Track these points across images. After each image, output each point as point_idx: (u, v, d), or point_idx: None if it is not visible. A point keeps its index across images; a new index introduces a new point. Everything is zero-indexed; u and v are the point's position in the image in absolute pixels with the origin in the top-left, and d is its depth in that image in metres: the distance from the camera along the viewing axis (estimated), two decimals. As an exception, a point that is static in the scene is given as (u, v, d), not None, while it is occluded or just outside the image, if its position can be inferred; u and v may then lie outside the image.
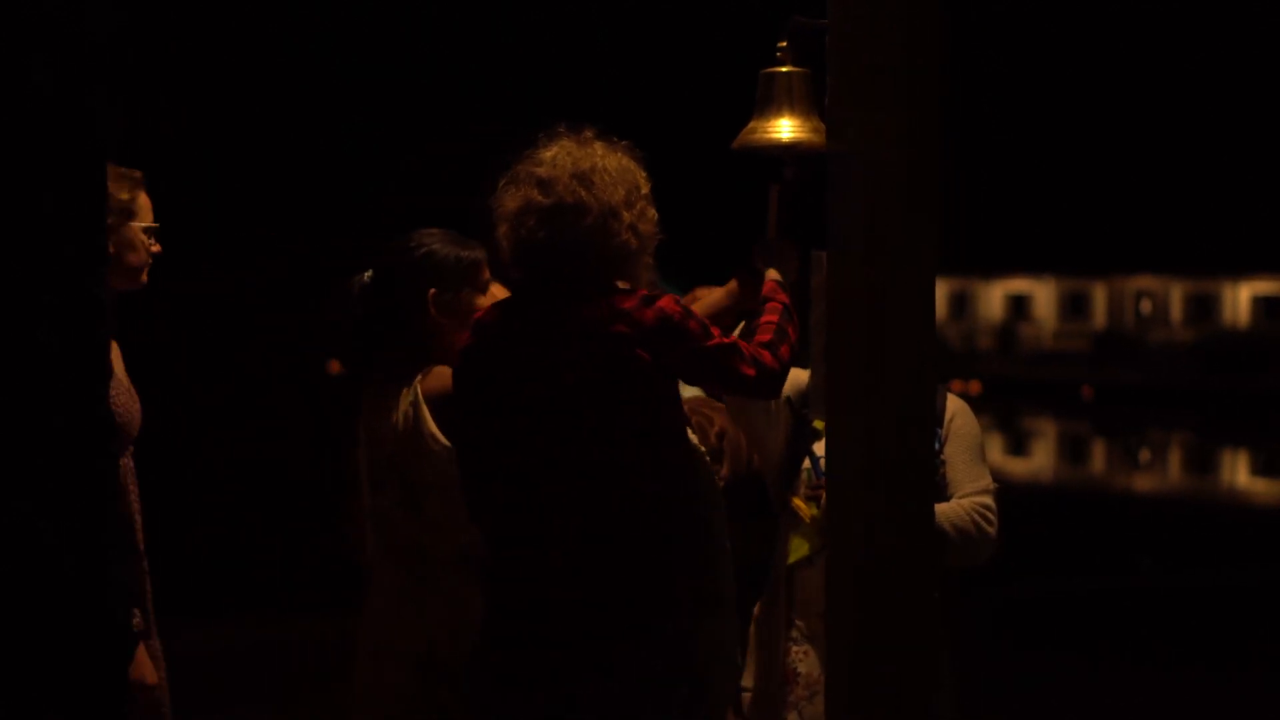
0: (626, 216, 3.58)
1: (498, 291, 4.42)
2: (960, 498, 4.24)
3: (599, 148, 3.64)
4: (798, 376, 4.19)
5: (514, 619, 3.56)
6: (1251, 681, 8.91)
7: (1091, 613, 11.23)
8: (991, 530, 4.23)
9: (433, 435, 3.82)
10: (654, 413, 3.56)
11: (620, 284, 3.63)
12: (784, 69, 4.03)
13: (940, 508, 4.06)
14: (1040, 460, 32.91)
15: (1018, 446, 35.68)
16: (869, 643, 3.55)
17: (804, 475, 4.20)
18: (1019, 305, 66.57)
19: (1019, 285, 66.73)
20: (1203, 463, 32.63)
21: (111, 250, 3.96)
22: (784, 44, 4.03)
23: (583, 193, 3.55)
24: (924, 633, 3.56)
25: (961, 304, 67.53)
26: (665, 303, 3.56)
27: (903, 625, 3.56)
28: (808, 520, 4.17)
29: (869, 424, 3.58)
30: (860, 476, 3.59)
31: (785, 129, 4.00)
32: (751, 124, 4.02)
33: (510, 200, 3.59)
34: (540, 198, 3.55)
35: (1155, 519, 21.93)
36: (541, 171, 3.57)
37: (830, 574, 3.59)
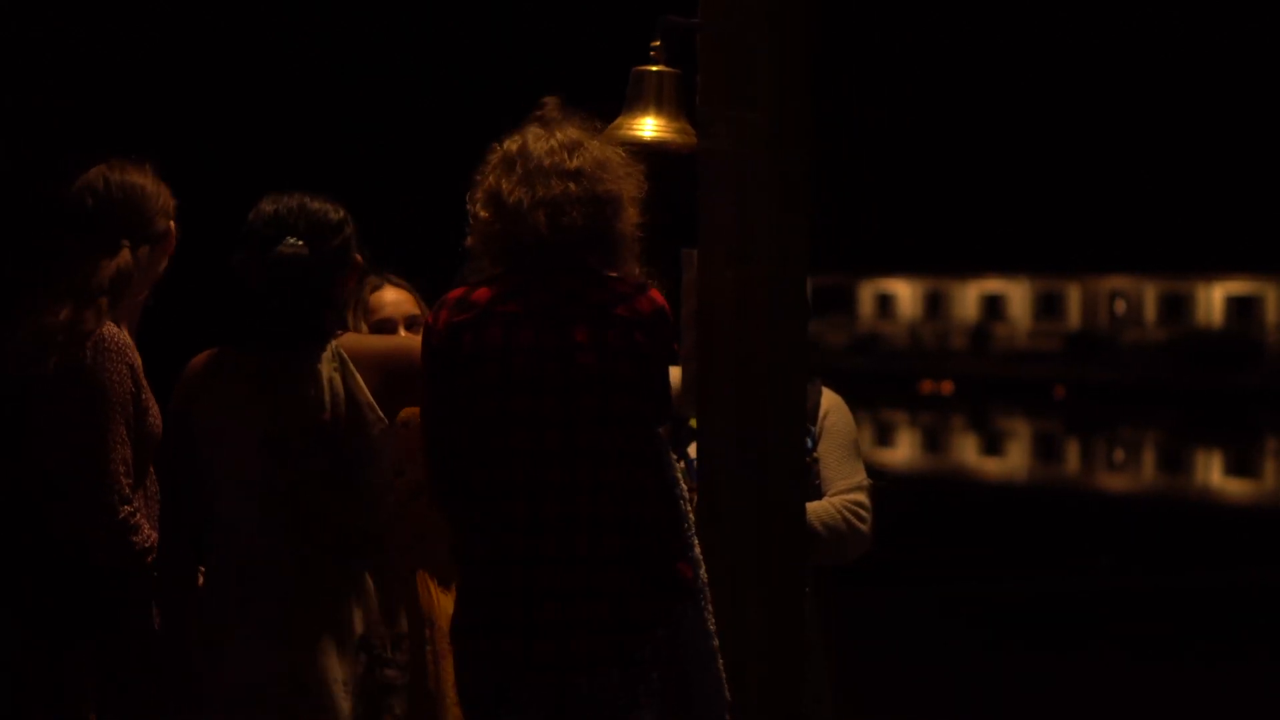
0: (634, 210, 3.65)
1: (391, 294, 4.35)
2: (833, 495, 4.20)
3: (599, 137, 3.70)
4: (673, 374, 4.20)
5: (502, 604, 3.53)
6: (1245, 680, 8.92)
7: (1085, 612, 11.25)
8: (864, 527, 4.19)
9: (370, 405, 3.71)
10: (644, 399, 3.58)
11: (610, 272, 3.66)
12: (655, 68, 4.01)
13: (811, 506, 4.03)
14: (1013, 459, 32.99)
15: (990, 446, 35.77)
16: (740, 636, 3.57)
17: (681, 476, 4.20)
18: (993, 305, 66.74)
19: (993, 285, 66.90)
20: (1176, 461, 32.73)
21: (163, 265, 4.00)
22: (657, 43, 4.01)
23: (611, 184, 3.62)
24: (792, 626, 3.57)
25: (936, 304, 67.71)
26: (654, 293, 3.62)
27: (772, 619, 3.57)
28: None
29: (737, 421, 3.58)
30: (729, 472, 3.58)
31: (649, 128, 3.98)
32: (618, 121, 4.01)
33: (541, 188, 3.58)
34: (576, 188, 3.59)
35: (1128, 518, 21.99)
36: (571, 162, 3.61)
37: (707, 569, 3.58)
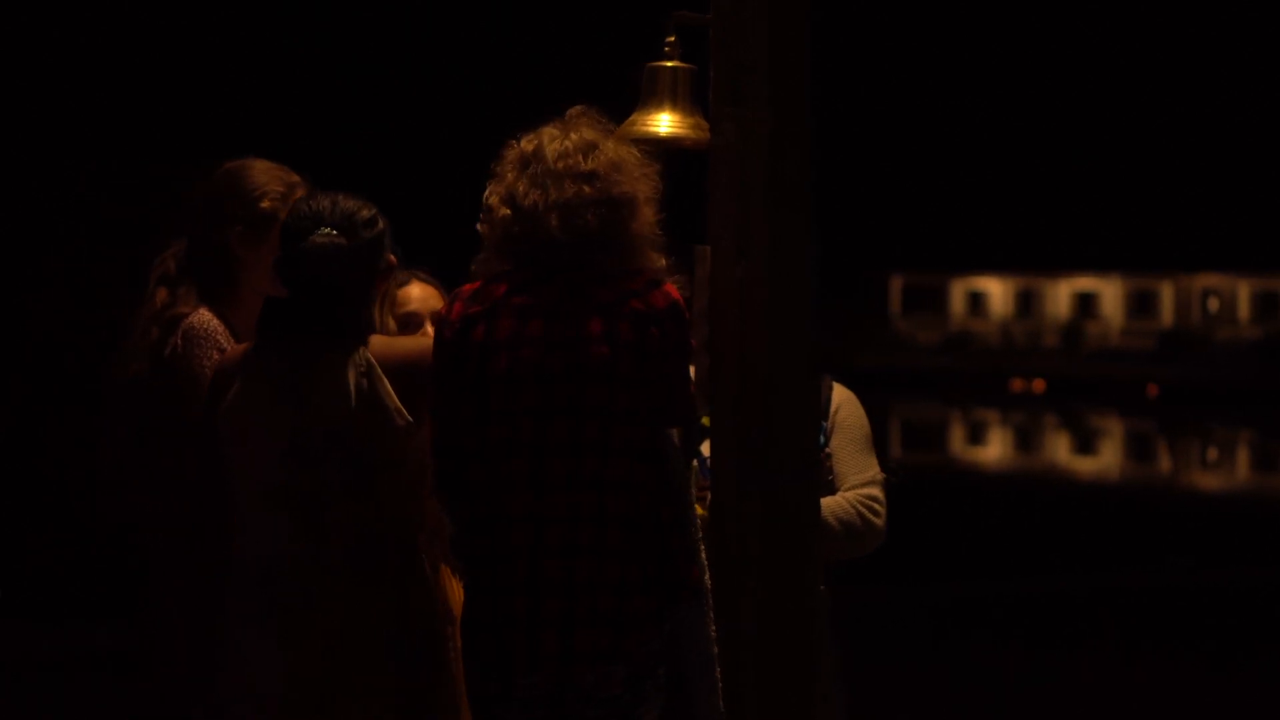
0: (650, 209, 3.66)
1: (418, 290, 4.39)
2: (847, 490, 4.17)
3: (613, 137, 3.70)
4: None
5: (506, 599, 3.51)
6: (1247, 680, 8.80)
7: (1095, 611, 10.94)
8: (879, 521, 4.16)
9: (397, 410, 3.64)
10: (654, 395, 3.56)
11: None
12: (669, 64, 3.98)
13: (825, 501, 4.01)
14: (1104, 459, 32.94)
15: (1082, 445, 35.71)
16: (744, 638, 3.60)
17: (693, 475, 4.03)
18: (1086, 303, 66.17)
19: (1086, 283, 66.33)
20: (1269, 461, 32.58)
21: (251, 254, 3.96)
22: (672, 39, 4.00)
23: (626, 186, 3.61)
24: (800, 629, 3.61)
25: (1028, 302, 67.22)
26: (669, 287, 3.61)
27: (786, 619, 3.61)
28: None
29: (744, 419, 3.62)
30: (739, 469, 3.62)
31: (664, 124, 3.97)
32: (633, 117, 4.00)
33: (555, 191, 3.58)
34: (590, 191, 3.58)
35: (1214, 517, 21.93)
36: (586, 165, 3.61)
37: (715, 569, 3.62)
